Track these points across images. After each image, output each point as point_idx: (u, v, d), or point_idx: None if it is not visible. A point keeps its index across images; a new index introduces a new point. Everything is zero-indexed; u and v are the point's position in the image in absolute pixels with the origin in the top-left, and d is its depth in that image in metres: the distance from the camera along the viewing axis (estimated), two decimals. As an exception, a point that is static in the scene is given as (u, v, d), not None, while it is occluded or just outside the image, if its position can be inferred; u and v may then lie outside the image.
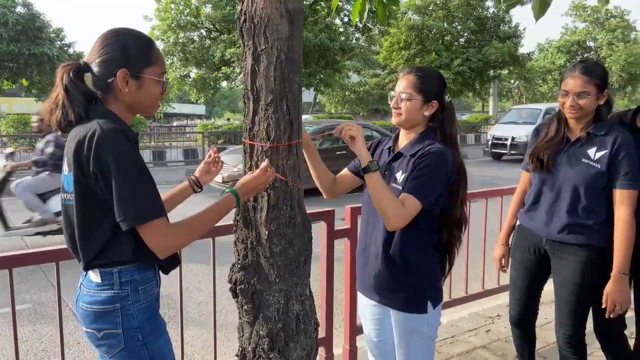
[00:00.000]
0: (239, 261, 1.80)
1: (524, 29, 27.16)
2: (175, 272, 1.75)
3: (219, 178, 8.68)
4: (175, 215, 1.54)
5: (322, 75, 20.81)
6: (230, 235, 2.15)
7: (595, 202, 2.13)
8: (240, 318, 1.85)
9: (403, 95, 1.88)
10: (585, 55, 35.78)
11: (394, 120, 1.96)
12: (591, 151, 2.12)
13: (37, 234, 5.81)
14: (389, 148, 2.02)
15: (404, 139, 1.97)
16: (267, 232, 1.73)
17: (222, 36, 20.45)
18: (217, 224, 1.66)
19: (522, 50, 27.73)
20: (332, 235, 2.77)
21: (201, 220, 1.51)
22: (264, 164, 1.69)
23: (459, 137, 2.11)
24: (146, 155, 15.25)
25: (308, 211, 1.95)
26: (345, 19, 22.79)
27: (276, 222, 1.73)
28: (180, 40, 21.34)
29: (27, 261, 2.00)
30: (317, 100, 30.89)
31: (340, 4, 19.96)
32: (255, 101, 1.73)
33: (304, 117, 9.01)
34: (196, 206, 1.71)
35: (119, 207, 1.35)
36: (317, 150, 2.03)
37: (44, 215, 5.75)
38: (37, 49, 20.40)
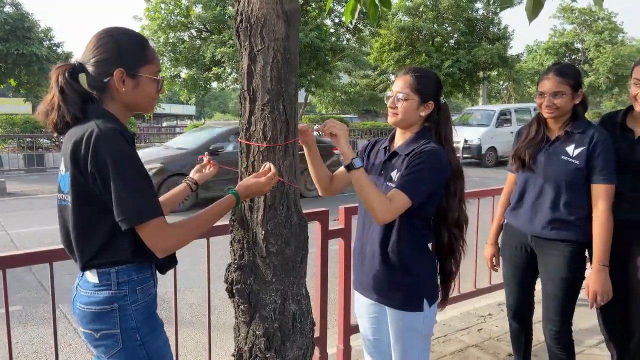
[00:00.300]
0: (235, 261, 1.81)
1: (513, 31, 27.41)
2: (169, 273, 1.75)
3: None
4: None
5: (313, 76, 20.80)
6: (223, 236, 2.16)
7: (577, 198, 2.21)
8: (236, 318, 1.85)
9: (400, 95, 1.90)
10: (573, 57, 36.15)
11: (390, 119, 1.97)
12: (570, 148, 2.21)
13: None
14: (385, 148, 2.04)
15: (400, 139, 1.99)
16: (263, 232, 1.73)
17: (213, 36, 20.37)
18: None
19: (511, 51, 27.92)
20: (326, 235, 2.78)
21: (200, 219, 1.51)
22: (271, 172, 1.67)
23: None
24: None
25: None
26: (336, 20, 22.82)
27: (273, 222, 1.74)
28: (171, 41, 21.21)
29: (22, 262, 1.99)
30: (308, 101, 30.88)
31: (331, 5, 19.98)
32: (252, 101, 1.73)
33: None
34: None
35: (117, 207, 1.35)
36: (318, 150, 2.03)
37: None
38: (26, 49, 20.20)
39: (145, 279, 1.50)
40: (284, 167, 1.75)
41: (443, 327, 3.63)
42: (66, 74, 1.44)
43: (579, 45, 35.84)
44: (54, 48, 22.65)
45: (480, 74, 26.16)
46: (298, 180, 1.84)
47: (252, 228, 1.76)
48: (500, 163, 15.18)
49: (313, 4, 20.48)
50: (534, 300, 2.58)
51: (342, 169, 2.16)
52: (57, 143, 15.11)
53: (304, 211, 2.03)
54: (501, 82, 35.22)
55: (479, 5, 26.27)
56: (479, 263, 2.96)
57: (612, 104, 40.46)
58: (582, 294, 4.27)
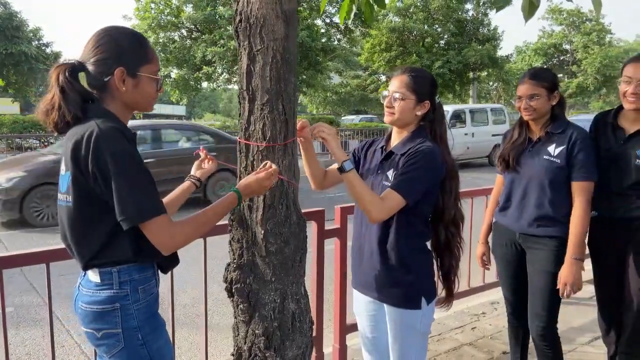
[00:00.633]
0: (235, 260, 1.81)
1: (503, 32, 27.52)
2: (165, 275, 1.74)
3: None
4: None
5: (304, 76, 20.81)
6: (217, 236, 2.16)
7: (560, 195, 2.29)
8: (235, 317, 1.85)
9: (396, 95, 1.92)
10: (562, 58, 36.49)
11: (386, 119, 2.00)
12: (551, 148, 2.31)
13: None
14: (382, 147, 2.06)
15: (396, 138, 2.01)
16: (263, 231, 1.74)
17: (204, 36, 20.30)
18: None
19: (501, 52, 28.14)
20: (322, 235, 2.79)
21: (204, 217, 1.51)
22: (271, 169, 1.67)
23: None
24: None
25: (298, 211, 1.96)
26: (327, 20, 22.84)
27: (272, 221, 1.74)
28: (161, 40, 21.09)
29: (18, 262, 1.97)
30: (299, 101, 30.89)
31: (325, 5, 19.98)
32: (251, 101, 1.74)
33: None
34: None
35: (119, 207, 1.35)
36: (313, 146, 2.04)
37: None
38: (15, 48, 20.00)
39: (147, 279, 1.50)
40: (283, 167, 1.75)
41: (437, 326, 3.65)
42: (66, 73, 1.43)
43: (567, 47, 36.18)
44: (43, 48, 22.44)
45: (470, 74, 26.34)
46: (297, 179, 1.85)
47: (251, 227, 1.76)
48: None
49: (304, 4, 20.48)
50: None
51: (335, 165, 2.18)
52: (45, 144, 14.97)
53: (300, 211, 2.03)
54: (491, 83, 35.46)
55: (469, 6, 26.47)
56: (472, 262, 2.98)
57: (600, 104, 40.87)
58: (574, 292, 4.31)
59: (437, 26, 26.29)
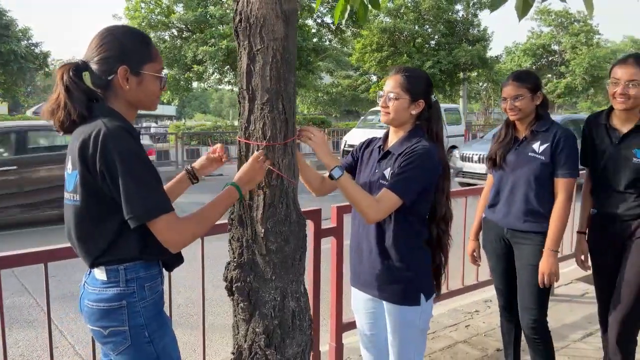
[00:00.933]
0: (235, 259, 1.81)
1: (492, 33, 27.75)
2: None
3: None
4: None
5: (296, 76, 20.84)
6: (207, 237, 2.16)
7: (546, 192, 2.38)
8: (235, 316, 1.85)
9: (391, 95, 1.95)
10: (550, 59, 36.81)
11: (382, 118, 2.03)
12: (536, 145, 2.41)
13: None
14: (379, 147, 2.08)
15: (393, 138, 2.04)
16: (263, 230, 1.74)
17: (194, 35, 20.22)
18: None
19: (491, 53, 28.35)
20: (319, 234, 2.80)
21: (208, 212, 1.52)
22: (255, 154, 1.70)
23: None
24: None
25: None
26: (319, 20, 22.87)
27: (272, 220, 1.75)
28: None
29: (16, 262, 1.96)
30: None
31: (312, 4, 20.01)
32: (251, 100, 1.74)
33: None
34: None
35: (127, 205, 1.35)
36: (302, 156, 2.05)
37: None
38: (4, 47, 19.78)
39: (153, 276, 1.51)
40: (283, 166, 1.76)
41: (432, 324, 3.67)
42: (71, 72, 1.44)
43: (556, 47, 36.50)
44: (32, 48, 22.22)
45: (461, 75, 26.49)
46: (297, 178, 1.86)
47: (251, 226, 1.77)
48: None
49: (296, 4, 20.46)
50: None
51: None
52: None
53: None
54: (480, 83, 35.69)
55: (459, 7, 26.62)
56: (466, 261, 3.01)
57: (588, 104, 41.27)
58: (564, 289, 4.37)
59: (427, 27, 26.42)
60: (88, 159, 1.37)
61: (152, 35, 21.08)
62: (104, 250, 1.43)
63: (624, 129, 2.34)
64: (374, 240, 1.95)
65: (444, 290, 3.67)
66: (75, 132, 1.45)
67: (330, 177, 1.84)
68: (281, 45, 1.72)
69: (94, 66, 1.47)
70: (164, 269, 1.60)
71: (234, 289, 1.80)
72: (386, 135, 2.09)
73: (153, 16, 20.91)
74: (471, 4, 26.31)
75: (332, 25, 22.56)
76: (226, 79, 22.35)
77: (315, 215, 2.77)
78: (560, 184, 2.35)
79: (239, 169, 1.81)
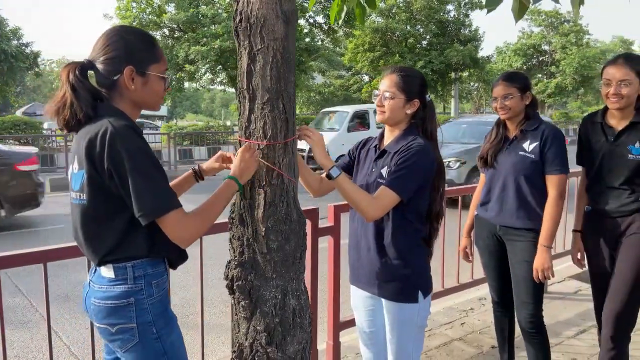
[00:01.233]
0: (235, 258, 1.82)
1: (484, 33, 27.90)
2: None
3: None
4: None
5: (288, 76, 20.82)
6: (205, 237, 2.17)
7: (536, 189, 2.44)
8: (236, 314, 1.86)
9: (386, 94, 1.98)
10: (541, 59, 37.10)
11: (377, 118, 2.06)
12: (525, 144, 2.46)
13: None
14: (375, 146, 2.10)
15: (389, 136, 2.06)
16: (264, 229, 1.75)
17: (186, 35, 20.14)
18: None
19: (482, 53, 28.51)
20: (316, 233, 2.82)
21: (212, 206, 1.53)
22: (242, 147, 1.70)
23: None
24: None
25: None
26: (311, 20, 22.87)
27: (273, 218, 1.76)
28: (143, 40, 20.91)
29: (16, 262, 1.96)
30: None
31: (305, 4, 20.02)
32: (252, 100, 1.75)
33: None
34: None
35: (136, 203, 1.37)
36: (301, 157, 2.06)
37: None
38: (-5, 47, 19.62)
39: (159, 273, 1.52)
40: (283, 165, 1.77)
41: (427, 321, 3.69)
42: (76, 72, 1.44)
43: (546, 47, 36.79)
44: (23, 47, 22.04)
45: (452, 74, 26.63)
46: (297, 177, 1.87)
47: (252, 225, 1.78)
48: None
49: (288, 4, 20.47)
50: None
51: None
52: (24, 145, 14.72)
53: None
54: (472, 83, 35.92)
55: (450, 7, 26.76)
56: (461, 259, 3.04)
57: (578, 104, 41.64)
58: (557, 287, 4.41)
59: (419, 27, 26.54)
60: (95, 158, 1.38)
61: (143, 35, 20.98)
62: (112, 248, 1.44)
63: (620, 126, 2.37)
64: (372, 238, 1.97)
65: (439, 288, 3.74)
66: (80, 131, 1.45)
67: (328, 176, 1.87)
68: (281, 45, 1.73)
69: (99, 66, 1.48)
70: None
71: (235, 287, 1.80)
72: (382, 135, 2.12)
73: (144, 16, 20.80)
74: (462, 4, 26.44)
75: (324, 25, 22.58)
76: (218, 79, 22.30)
77: (313, 214, 2.79)
78: (551, 181, 2.40)
79: None
